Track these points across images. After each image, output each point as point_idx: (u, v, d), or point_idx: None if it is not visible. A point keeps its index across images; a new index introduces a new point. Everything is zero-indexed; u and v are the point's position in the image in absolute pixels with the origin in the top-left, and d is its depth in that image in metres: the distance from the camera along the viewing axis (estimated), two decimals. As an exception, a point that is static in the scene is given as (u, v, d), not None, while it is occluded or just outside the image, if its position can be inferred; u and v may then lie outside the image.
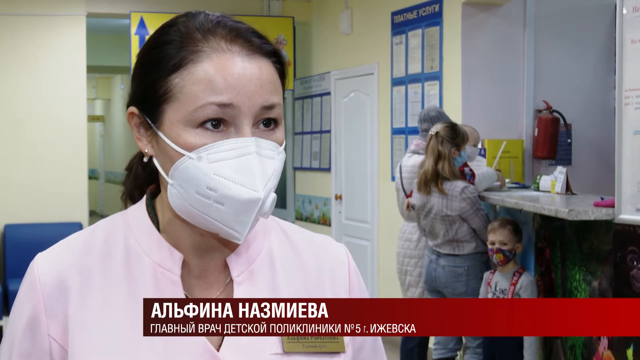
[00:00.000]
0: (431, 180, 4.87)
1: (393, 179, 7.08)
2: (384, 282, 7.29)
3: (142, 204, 1.23)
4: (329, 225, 8.26)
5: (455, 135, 4.91)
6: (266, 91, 1.12)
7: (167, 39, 1.14)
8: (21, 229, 7.99)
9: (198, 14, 1.16)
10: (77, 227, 8.01)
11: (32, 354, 1.16)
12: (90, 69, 9.23)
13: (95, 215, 17.81)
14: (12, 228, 7.99)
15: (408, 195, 5.39)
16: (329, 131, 8.29)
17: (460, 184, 4.83)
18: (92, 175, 18.02)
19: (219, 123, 1.11)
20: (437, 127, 4.95)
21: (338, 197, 8.10)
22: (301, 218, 8.90)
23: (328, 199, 8.33)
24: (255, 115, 1.12)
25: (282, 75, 1.17)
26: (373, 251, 7.50)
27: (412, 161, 5.45)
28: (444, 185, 4.84)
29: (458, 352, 5.27)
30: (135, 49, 7.95)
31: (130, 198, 1.29)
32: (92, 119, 17.73)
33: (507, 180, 5.55)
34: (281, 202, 9.19)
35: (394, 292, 6.93)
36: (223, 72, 1.10)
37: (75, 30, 8.16)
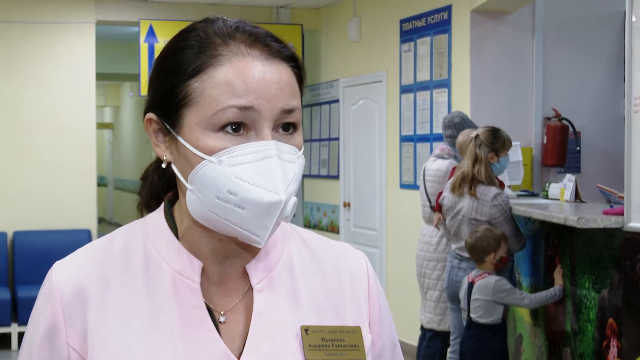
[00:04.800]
0: (466, 182, 4.79)
1: (402, 186, 7.09)
2: (393, 290, 7.28)
3: (160, 211, 1.22)
4: (338, 232, 8.25)
5: (495, 140, 4.83)
6: (286, 95, 1.12)
7: (185, 45, 1.14)
8: (30, 236, 8.01)
9: (216, 19, 1.16)
10: (86, 234, 8.03)
11: None
12: (100, 77, 9.26)
13: (104, 222, 17.86)
14: (21, 235, 8.01)
15: (434, 209, 5.35)
16: (337, 139, 8.30)
17: (493, 190, 4.74)
18: (101, 183, 18.08)
19: (239, 127, 1.10)
20: (478, 130, 4.88)
21: (346, 205, 8.10)
22: (309, 225, 8.90)
23: (336, 207, 8.33)
24: (275, 118, 1.12)
25: (300, 79, 1.17)
26: (382, 258, 7.49)
27: (437, 165, 5.44)
28: (477, 189, 4.75)
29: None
30: (144, 56, 7.96)
31: (147, 207, 1.28)
32: (101, 126, 17.79)
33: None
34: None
35: (403, 299, 6.92)
36: (243, 76, 1.10)
37: (85, 37, 8.19)
